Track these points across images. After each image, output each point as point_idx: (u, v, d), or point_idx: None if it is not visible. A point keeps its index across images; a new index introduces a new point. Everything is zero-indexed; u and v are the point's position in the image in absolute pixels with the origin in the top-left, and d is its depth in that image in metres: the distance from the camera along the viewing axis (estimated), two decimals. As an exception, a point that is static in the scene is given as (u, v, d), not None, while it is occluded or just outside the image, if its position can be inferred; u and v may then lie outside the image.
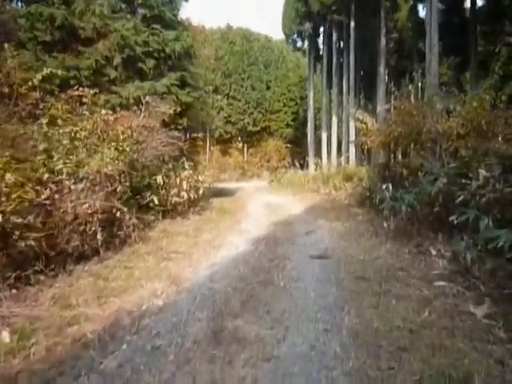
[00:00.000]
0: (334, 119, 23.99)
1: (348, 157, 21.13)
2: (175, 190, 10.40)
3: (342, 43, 27.10)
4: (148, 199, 8.84)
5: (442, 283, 4.75)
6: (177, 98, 11.58)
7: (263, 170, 37.54)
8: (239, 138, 38.90)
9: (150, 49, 10.89)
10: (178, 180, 10.70)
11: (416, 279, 5.00)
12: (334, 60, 25.22)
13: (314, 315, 4.00)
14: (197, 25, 34.50)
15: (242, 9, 67.90)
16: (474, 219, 4.82)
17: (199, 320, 3.91)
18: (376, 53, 22.96)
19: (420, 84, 24.15)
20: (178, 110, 11.61)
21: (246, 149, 39.16)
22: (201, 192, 12.86)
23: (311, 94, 28.40)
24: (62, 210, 5.84)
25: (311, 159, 26.72)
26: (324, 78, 26.87)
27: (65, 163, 6.46)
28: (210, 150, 38.20)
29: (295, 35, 30.31)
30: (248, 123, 37.21)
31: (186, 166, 12.41)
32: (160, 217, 9.41)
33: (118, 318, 4.00)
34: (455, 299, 4.25)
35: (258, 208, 12.93)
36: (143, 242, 7.14)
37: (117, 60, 10.68)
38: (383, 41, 19.51)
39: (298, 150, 37.77)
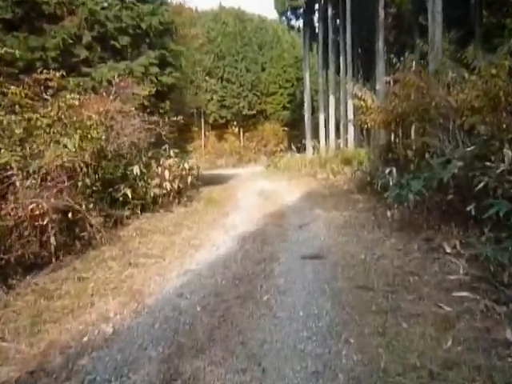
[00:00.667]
0: (332, 100, 22.80)
1: (347, 139, 20.03)
2: (156, 181, 9.41)
3: (338, 21, 25.67)
4: (122, 192, 7.84)
5: (463, 294, 3.78)
6: (156, 79, 10.47)
7: (260, 155, 36.39)
8: (235, 123, 37.63)
9: (123, 24, 9.73)
10: (159, 169, 9.70)
11: (430, 288, 4.03)
12: (330, 38, 23.86)
13: (301, 347, 3.05)
14: (185, 5, 33.03)
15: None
16: (506, 213, 3.82)
17: (150, 360, 2.95)
18: (374, 29, 21.63)
19: (422, 60, 22.82)
20: (156, 91, 10.54)
21: (242, 133, 37.97)
22: (189, 181, 11.94)
23: (307, 75, 27.08)
24: (3, 212, 4.87)
25: (309, 142, 25.59)
26: (320, 58, 25.53)
27: (12, 155, 5.47)
28: (205, 135, 37.09)
29: (289, 12, 28.80)
30: (243, 107, 35.95)
31: (172, 154, 11.43)
32: (139, 211, 8.43)
33: (48, 358, 3.05)
34: (484, 320, 3.27)
35: (250, 196, 11.94)
36: (111, 244, 6.18)
37: (86, 38, 9.55)
38: (382, 14, 18.20)
39: (296, 132, 36.53)
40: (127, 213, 7.86)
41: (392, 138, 8.73)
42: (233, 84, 35.73)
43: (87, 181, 6.98)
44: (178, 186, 10.53)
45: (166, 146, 10.64)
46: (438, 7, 11.61)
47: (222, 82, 35.82)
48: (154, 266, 5.20)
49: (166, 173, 9.57)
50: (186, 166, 11.35)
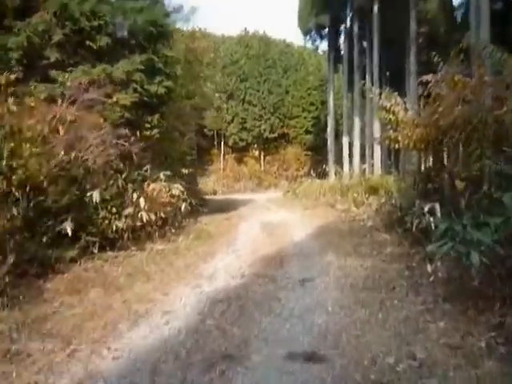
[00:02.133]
0: (357, 122, 20.61)
1: (372, 164, 17.70)
2: (130, 210, 7.42)
3: (364, 43, 23.74)
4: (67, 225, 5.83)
5: None
6: (142, 87, 8.64)
7: (281, 180, 34.29)
8: (255, 146, 35.83)
9: (101, 22, 8.02)
10: (134, 196, 7.72)
11: None
12: (356, 58, 21.83)
13: None
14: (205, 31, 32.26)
15: (260, 17, 65.08)
16: None
17: None
18: (403, 46, 19.57)
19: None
20: (143, 103, 8.70)
21: (262, 157, 36.04)
22: (183, 208, 9.97)
23: (331, 97, 25.11)
24: None
25: (331, 167, 23.33)
26: (345, 79, 23.51)
27: None
28: (224, 158, 35.44)
29: (313, 32, 27.21)
30: (264, 129, 34.14)
31: (162, 176, 9.51)
32: (95, 249, 6.40)
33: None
34: None
35: (253, 230, 9.79)
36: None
37: (57, 36, 7.86)
38: (414, 26, 16.08)
39: (319, 157, 34.30)
40: (73, 253, 5.83)
41: (431, 162, 6.46)
42: (254, 106, 34.10)
43: (14, 210, 5.08)
44: (161, 217, 8.53)
45: (148, 167, 8.71)
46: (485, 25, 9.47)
47: (243, 104, 34.27)
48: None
49: (142, 201, 7.57)
50: (176, 192, 9.35)
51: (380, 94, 6.59)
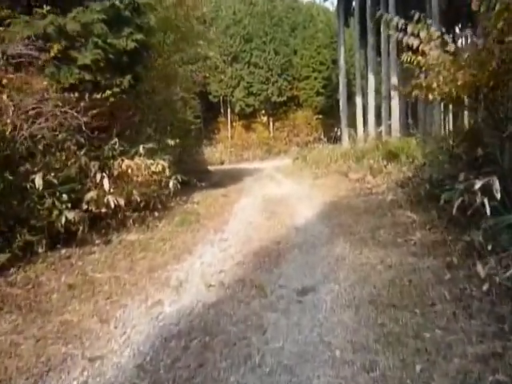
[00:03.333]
0: (371, 80, 18.44)
1: (390, 125, 15.77)
2: (92, 194, 5.95)
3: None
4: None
5: None
6: (105, 42, 6.95)
7: (292, 146, 32.37)
8: (263, 111, 33.78)
9: (44, -45, 6.29)
10: (98, 176, 6.23)
11: None
12: (369, 7, 19.36)
13: None
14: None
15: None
16: None
17: None
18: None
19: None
20: (107, 61, 7.03)
21: (271, 123, 34.03)
22: (171, 185, 8.52)
23: (342, 54, 22.70)
24: None
25: (344, 131, 21.40)
26: (357, 33, 21.10)
27: None
28: (231, 125, 33.59)
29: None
30: (272, 93, 31.93)
31: (141, 151, 8.00)
32: (41, 248, 4.97)
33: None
34: None
35: (251, 208, 8.26)
36: None
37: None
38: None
39: (332, 121, 32.11)
40: (4, 258, 4.42)
41: (481, 118, 4.72)
42: (261, 69, 31.76)
43: None
44: (139, 200, 7.05)
45: (115, 140, 7.15)
46: None
47: (248, 66, 31.97)
48: None
49: (106, 182, 6.07)
50: (159, 168, 7.82)
51: (405, 26, 4.77)
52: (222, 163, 28.00)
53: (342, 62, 22.20)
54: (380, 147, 10.88)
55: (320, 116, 33.86)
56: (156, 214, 7.63)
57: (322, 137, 25.11)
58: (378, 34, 18.66)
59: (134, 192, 6.79)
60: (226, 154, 29.56)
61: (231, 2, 37.58)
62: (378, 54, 19.23)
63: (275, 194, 9.89)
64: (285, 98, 32.82)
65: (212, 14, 35.40)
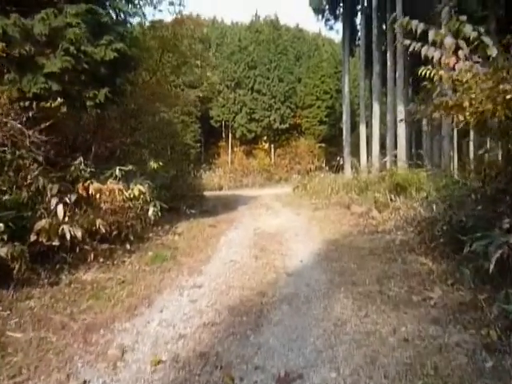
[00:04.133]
0: (376, 109, 17.66)
1: (395, 155, 14.82)
2: (42, 223, 4.89)
3: (385, 26, 20.58)
4: None
5: None
6: (79, 50, 6.07)
7: (293, 174, 31.49)
8: (265, 138, 33.13)
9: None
10: (53, 201, 5.19)
11: None
12: (375, 35, 18.83)
13: None
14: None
15: (271, 2, 61.08)
16: None
17: None
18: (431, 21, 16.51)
19: None
20: (82, 71, 6.13)
21: (272, 149, 33.33)
22: (151, 213, 7.53)
23: (347, 82, 22.08)
24: None
25: (347, 160, 20.50)
26: (362, 62, 20.57)
27: None
28: (232, 151, 32.87)
29: (326, 11, 24.21)
30: (274, 120, 31.34)
31: (117, 173, 7.04)
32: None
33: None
34: None
35: (239, 244, 7.14)
36: None
37: None
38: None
39: (334, 149, 31.41)
40: None
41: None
42: (264, 95, 31.31)
43: None
44: (108, 229, 5.98)
45: (81, 159, 6.15)
46: None
47: (252, 92, 31.53)
48: None
49: (60, 209, 5.03)
50: (133, 193, 6.80)
51: (424, 33, 3.82)
52: (221, 189, 27.04)
53: (346, 90, 21.54)
54: (386, 179, 9.87)
55: (322, 144, 33.18)
56: (128, 246, 6.54)
57: (324, 165, 24.31)
58: (383, 63, 18.05)
59: (99, 221, 5.72)
60: (225, 179, 28.60)
61: (237, 29, 37.75)
62: (384, 83, 18.56)
63: (269, 227, 8.81)
64: (287, 126, 32.23)
65: (217, 40, 35.45)
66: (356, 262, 5.51)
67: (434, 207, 5.95)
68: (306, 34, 41.57)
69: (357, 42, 24.62)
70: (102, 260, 5.72)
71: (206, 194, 20.96)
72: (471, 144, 18.35)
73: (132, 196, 6.95)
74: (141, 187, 7.04)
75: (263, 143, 33.36)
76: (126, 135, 11.18)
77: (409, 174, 9.26)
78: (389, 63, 16.19)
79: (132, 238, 6.69)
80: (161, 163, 8.24)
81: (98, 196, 6.25)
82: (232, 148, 32.72)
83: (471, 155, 19.44)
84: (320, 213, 10.62)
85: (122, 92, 7.47)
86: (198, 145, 30.25)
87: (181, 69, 14.02)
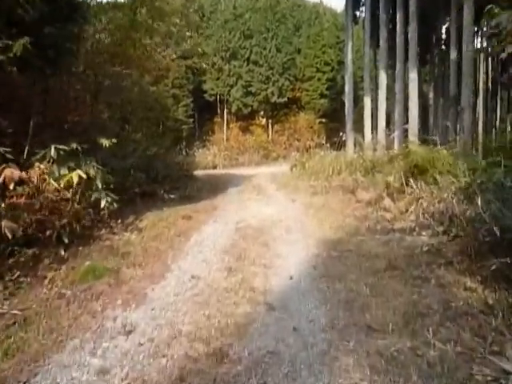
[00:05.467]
0: (383, 77, 15.54)
1: (406, 130, 12.90)
2: None
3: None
4: None
5: None
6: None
7: (291, 151, 29.53)
8: (262, 113, 30.99)
9: None
10: None
11: None
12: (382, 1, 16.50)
13: None
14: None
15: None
16: None
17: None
18: None
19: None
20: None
21: (270, 125, 31.23)
22: (103, 204, 5.83)
23: (349, 50, 19.75)
24: None
25: (350, 136, 18.54)
26: (367, 28, 18.19)
27: None
28: (228, 127, 30.81)
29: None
30: (272, 93, 29.06)
31: (52, 154, 5.32)
32: None
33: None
34: None
35: (214, 246, 5.37)
36: None
37: None
38: None
39: (335, 125, 29.36)
40: None
41: None
42: (260, 66, 28.95)
43: None
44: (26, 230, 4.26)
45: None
46: None
47: (248, 64, 29.17)
48: None
49: None
50: (72, 179, 5.04)
51: None
52: (215, 167, 25.24)
53: (349, 58, 19.32)
54: (398, 158, 8.03)
55: (323, 120, 31.04)
56: (62, 251, 4.84)
57: (324, 142, 22.36)
58: (392, 27, 15.86)
59: (4, 223, 3.97)
60: (220, 157, 26.70)
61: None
62: (391, 50, 16.41)
63: (256, 218, 7.06)
64: (286, 100, 29.98)
65: (210, 7, 32.78)
66: (368, 281, 3.79)
67: (478, 200, 4.16)
68: (306, 2, 38.78)
69: (361, 8, 22.27)
70: (15, 276, 4.03)
71: (198, 173, 19.18)
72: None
73: (70, 184, 5.17)
74: (81, 172, 5.25)
75: (260, 118, 31.23)
76: (89, 107, 9.34)
77: (428, 151, 7.40)
78: (398, 26, 14.03)
79: (66, 241, 4.96)
80: (114, 140, 6.36)
81: (11, 186, 4.48)
82: (227, 124, 30.62)
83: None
84: (319, 199, 8.85)
85: (62, 49, 5.56)
86: (191, 120, 28.21)
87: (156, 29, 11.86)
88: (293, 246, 5.18)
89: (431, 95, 23.62)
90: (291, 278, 4.04)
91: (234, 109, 29.35)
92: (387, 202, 6.49)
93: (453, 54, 13.09)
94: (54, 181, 5.12)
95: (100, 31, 10.61)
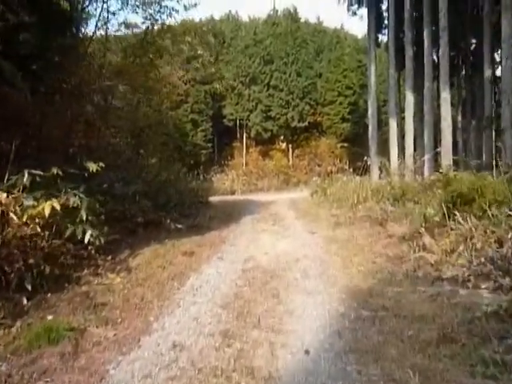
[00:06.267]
0: (410, 98, 14.50)
1: (436, 153, 11.68)
2: None
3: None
4: None
5: None
6: None
7: (312, 176, 28.41)
8: (282, 137, 30.21)
9: None
10: None
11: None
12: (407, 18, 15.64)
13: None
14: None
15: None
16: None
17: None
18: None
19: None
20: None
21: (290, 150, 30.37)
22: (87, 239, 4.98)
23: (372, 72, 18.84)
24: None
25: (374, 161, 17.35)
26: (392, 49, 17.30)
27: None
28: (247, 151, 30.15)
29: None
30: (292, 118, 28.34)
31: (25, 181, 4.57)
32: None
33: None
34: None
35: (213, 296, 4.31)
36: None
37: None
38: None
39: (358, 150, 28.22)
40: None
41: None
42: (281, 91, 28.39)
43: None
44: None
45: None
46: None
47: (268, 89, 28.69)
48: None
49: None
50: (44, 211, 4.14)
51: None
52: (233, 193, 24.34)
53: (372, 81, 18.41)
54: (437, 184, 6.85)
55: (345, 144, 30.03)
56: (25, 301, 3.89)
57: (348, 167, 21.19)
58: (418, 45, 14.93)
59: None
60: (239, 182, 25.85)
61: (253, 23, 35.10)
62: (418, 69, 15.42)
63: (269, 256, 5.98)
64: (306, 124, 29.21)
65: (231, 33, 32.84)
66: (417, 362, 2.64)
67: None
68: (326, 28, 38.51)
69: (383, 31, 21.54)
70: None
71: (215, 199, 18.33)
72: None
73: (42, 216, 4.28)
74: (55, 202, 4.35)
75: (280, 143, 30.46)
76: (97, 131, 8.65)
77: (473, 178, 6.21)
78: (426, 43, 13.04)
79: (30, 287, 4.01)
80: (102, 164, 5.48)
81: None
82: (247, 148, 29.99)
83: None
84: (343, 231, 7.71)
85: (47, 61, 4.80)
86: (210, 145, 27.70)
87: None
88: (310, 298, 4.05)
89: (459, 118, 22.34)
90: (307, 352, 2.93)
91: (253, 133, 28.76)
92: (426, 239, 5.30)
93: (487, 72, 11.94)
94: (24, 212, 4.24)
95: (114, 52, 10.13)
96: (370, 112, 18.49)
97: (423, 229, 5.70)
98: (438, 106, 12.45)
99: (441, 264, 4.54)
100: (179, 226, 9.11)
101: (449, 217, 5.66)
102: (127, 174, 9.45)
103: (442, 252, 4.98)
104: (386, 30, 20.39)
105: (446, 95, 11.02)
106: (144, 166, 11.93)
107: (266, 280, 4.71)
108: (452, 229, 5.32)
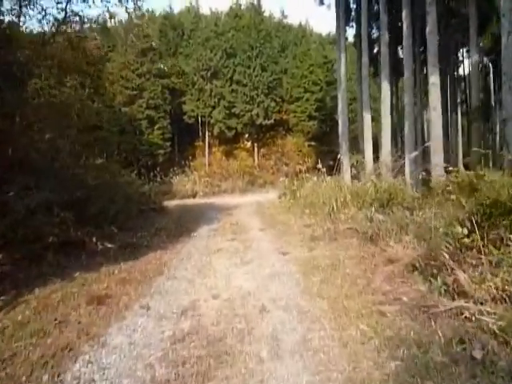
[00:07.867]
0: (386, 89, 12.85)
1: (423, 150, 10.03)
2: None
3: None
4: None
5: None
6: None
7: (279, 176, 26.57)
8: (247, 136, 28.20)
9: None
10: None
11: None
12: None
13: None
14: None
15: None
16: None
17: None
18: None
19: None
20: None
21: (256, 149, 28.39)
22: None
23: (342, 63, 17.07)
24: None
25: (345, 159, 15.65)
26: (364, 34, 15.63)
27: None
28: (210, 151, 27.88)
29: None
30: (257, 115, 26.32)
31: None
32: None
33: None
34: None
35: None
36: None
37: None
38: None
39: (326, 148, 26.72)
40: None
41: None
42: (244, 86, 26.32)
43: None
44: None
45: None
46: None
47: (231, 84, 26.56)
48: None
49: None
50: None
51: None
52: (194, 196, 22.06)
53: (342, 72, 16.67)
54: (449, 188, 5.04)
55: (312, 142, 28.42)
56: None
57: (319, 166, 19.46)
58: (395, 29, 13.35)
59: None
60: (201, 184, 23.55)
61: (214, 15, 32.88)
62: (393, 55, 13.87)
63: (217, 304, 3.91)
64: (272, 121, 27.29)
65: (191, 25, 30.49)
66: None
67: None
68: (291, 24, 36.95)
69: (353, 15, 19.99)
70: None
71: (171, 203, 16.05)
72: None
73: None
74: None
75: (245, 142, 28.44)
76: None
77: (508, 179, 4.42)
78: (405, 25, 11.39)
79: None
80: None
81: None
82: (210, 148, 27.72)
83: None
84: (323, 251, 5.73)
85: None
86: (169, 144, 25.22)
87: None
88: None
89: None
90: None
91: (216, 131, 26.53)
92: (460, 274, 3.40)
93: (474, 57, 10.43)
94: None
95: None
96: (340, 106, 16.77)
97: (446, 254, 3.80)
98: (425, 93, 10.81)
99: (472, 307, 2.62)
100: (109, 245, 6.88)
101: (482, 237, 3.81)
102: (49, 180, 7.14)
103: (485, 295, 3.09)
104: (357, 15, 18.89)
105: (434, 79, 9.32)
106: (83, 167, 9.62)
107: (205, 358, 2.63)
108: (488, 253, 3.44)
